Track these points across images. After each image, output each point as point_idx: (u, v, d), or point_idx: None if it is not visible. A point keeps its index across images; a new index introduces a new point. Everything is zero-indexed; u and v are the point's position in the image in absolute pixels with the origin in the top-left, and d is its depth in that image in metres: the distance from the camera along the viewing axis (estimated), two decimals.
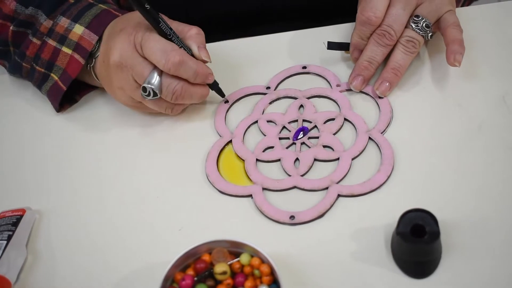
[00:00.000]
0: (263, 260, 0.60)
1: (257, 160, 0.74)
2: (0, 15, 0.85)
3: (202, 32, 0.76)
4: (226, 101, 0.81)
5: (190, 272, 0.61)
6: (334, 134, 0.75)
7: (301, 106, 0.79)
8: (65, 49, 0.80)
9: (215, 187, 0.73)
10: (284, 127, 0.77)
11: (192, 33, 0.76)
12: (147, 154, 0.78)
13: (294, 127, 0.76)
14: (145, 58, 0.73)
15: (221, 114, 0.80)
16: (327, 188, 0.70)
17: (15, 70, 0.86)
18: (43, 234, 0.71)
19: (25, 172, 0.79)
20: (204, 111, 0.81)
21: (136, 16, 0.76)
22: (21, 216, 0.71)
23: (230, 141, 0.77)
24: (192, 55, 0.75)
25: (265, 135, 0.77)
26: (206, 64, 0.76)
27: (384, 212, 0.66)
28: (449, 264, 0.62)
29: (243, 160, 0.75)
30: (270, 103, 0.80)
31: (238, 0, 0.93)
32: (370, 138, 0.74)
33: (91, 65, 0.80)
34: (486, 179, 0.68)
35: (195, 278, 0.60)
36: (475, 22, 0.84)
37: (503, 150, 0.70)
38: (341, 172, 0.71)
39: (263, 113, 0.79)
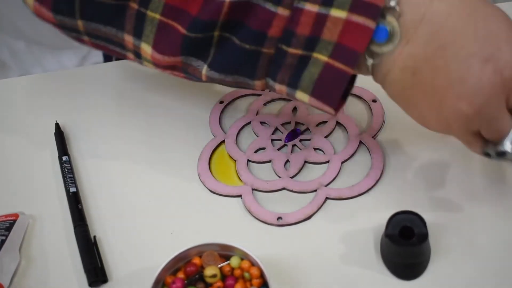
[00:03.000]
0: (253, 263, 0.61)
1: (248, 160, 0.75)
2: None
3: None
4: (221, 102, 0.81)
5: (181, 275, 0.61)
6: (326, 137, 0.75)
7: (295, 108, 0.79)
8: (335, 13, 0.52)
9: (206, 186, 0.73)
10: (277, 128, 0.77)
11: None
12: (143, 153, 0.78)
13: (287, 129, 0.77)
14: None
15: (215, 114, 0.80)
16: (315, 190, 0.70)
17: (235, 68, 0.57)
18: (36, 239, 0.71)
19: (18, 176, 0.79)
20: (199, 111, 0.81)
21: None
22: (14, 220, 0.71)
23: (224, 141, 0.77)
24: None
25: (257, 136, 0.77)
26: None
27: (373, 215, 0.67)
28: (437, 265, 0.63)
29: (235, 161, 0.75)
30: (265, 104, 0.81)
31: None
32: (361, 141, 0.74)
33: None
34: (476, 182, 0.68)
35: (186, 281, 0.60)
36: None
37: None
38: (331, 175, 0.71)
39: (257, 114, 0.80)
